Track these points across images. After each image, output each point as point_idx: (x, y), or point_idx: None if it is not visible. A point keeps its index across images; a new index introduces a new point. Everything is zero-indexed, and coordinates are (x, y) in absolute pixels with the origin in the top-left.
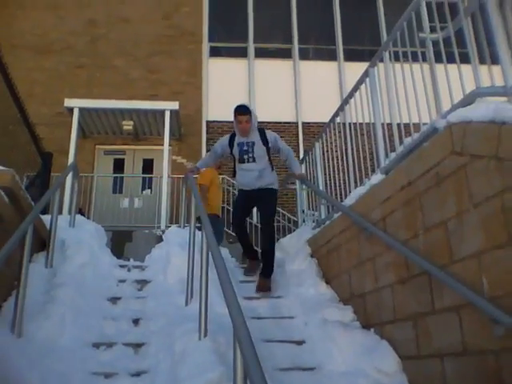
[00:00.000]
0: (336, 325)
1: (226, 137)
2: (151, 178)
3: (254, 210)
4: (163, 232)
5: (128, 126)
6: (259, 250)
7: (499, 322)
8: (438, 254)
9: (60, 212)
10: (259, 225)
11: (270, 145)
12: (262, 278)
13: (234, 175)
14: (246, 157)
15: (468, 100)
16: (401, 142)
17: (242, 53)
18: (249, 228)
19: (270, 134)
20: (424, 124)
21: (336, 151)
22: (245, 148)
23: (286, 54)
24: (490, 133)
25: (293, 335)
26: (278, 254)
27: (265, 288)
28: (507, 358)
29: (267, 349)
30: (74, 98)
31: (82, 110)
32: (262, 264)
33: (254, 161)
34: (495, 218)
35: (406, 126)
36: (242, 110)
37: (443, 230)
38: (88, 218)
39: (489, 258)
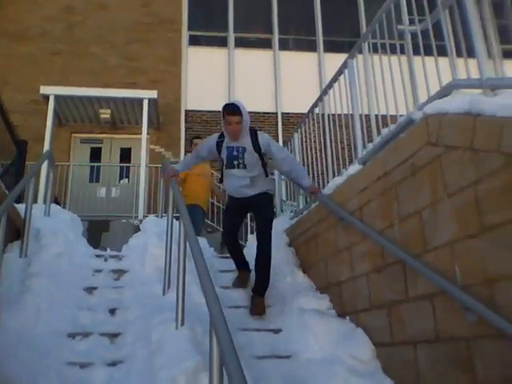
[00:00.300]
0: (312, 313)
1: (213, 138)
2: (129, 167)
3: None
4: (141, 222)
5: (105, 114)
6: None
7: (471, 309)
8: (412, 243)
9: (35, 201)
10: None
11: (262, 151)
12: (257, 298)
13: (220, 181)
14: (235, 162)
15: (444, 92)
16: (378, 133)
17: (221, 42)
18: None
19: (263, 138)
20: (401, 115)
21: (315, 142)
22: (234, 153)
23: (266, 44)
24: (465, 124)
25: (270, 324)
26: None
27: (260, 310)
28: (478, 345)
29: (244, 337)
30: (50, 85)
31: (57, 97)
32: (255, 280)
33: (244, 167)
34: (468, 207)
35: (384, 117)
36: (232, 110)
37: (418, 220)
38: (64, 207)
39: (461, 247)
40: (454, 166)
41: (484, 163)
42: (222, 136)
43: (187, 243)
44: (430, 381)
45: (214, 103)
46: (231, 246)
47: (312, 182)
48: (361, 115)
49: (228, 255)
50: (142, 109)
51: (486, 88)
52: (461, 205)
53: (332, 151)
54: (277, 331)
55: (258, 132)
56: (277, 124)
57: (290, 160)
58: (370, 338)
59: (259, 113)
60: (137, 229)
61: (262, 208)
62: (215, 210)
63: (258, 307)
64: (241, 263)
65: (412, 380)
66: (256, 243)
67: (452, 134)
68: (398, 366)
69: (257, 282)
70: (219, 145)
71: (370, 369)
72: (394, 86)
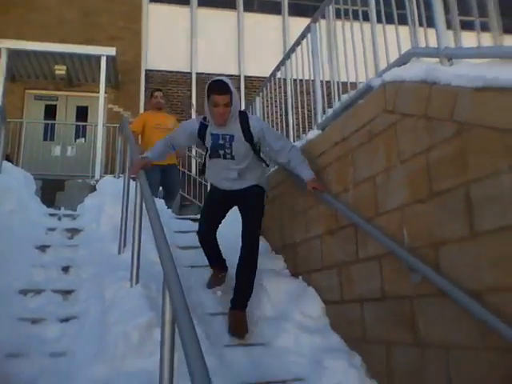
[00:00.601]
0: (267, 273)
1: (195, 122)
2: (85, 126)
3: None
4: (97, 182)
5: (60, 70)
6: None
7: (416, 270)
8: (365, 207)
9: None
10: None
11: (255, 139)
12: (237, 313)
13: (201, 172)
14: (221, 152)
15: (403, 60)
16: (338, 100)
17: (184, 0)
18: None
19: (255, 124)
20: (361, 83)
21: (276, 106)
22: (220, 142)
23: (230, 5)
24: (421, 92)
25: (226, 283)
26: None
27: (242, 328)
28: (420, 303)
29: (198, 295)
30: (3, 38)
31: (10, 51)
32: (234, 289)
33: (232, 158)
34: (419, 174)
35: (345, 84)
36: (221, 88)
37: (371, 185)
38: (16, 165)
39: (411, 212)
40: (408, 134)
41: (437, 131)
42: (205, 120)
43: (144, 203)
44: (374, 337)
45: (176, 63)
46: (207, 244)
47: (314, 175)
48: (322, 81)
49: (186, 217)
50: (99, 66)
51: (442, 57)
52: (412, 171)
53: (293, 116)
54: (232, 288)
55: (250, 116)
56: (240, 87)
57: (287, 149)
58: (321, 297)
59: (222, 75)
60: (93, 189)
61: (249, 206)
62: None
63: (238, 323)
64: (216, 261)
65: (358, 336)
66: (240, 245)
67: (408, 102)
68: (346, 323)
69: (236, 291)
70: (202, 131)
71: (319, 325)
72: (355, 52)
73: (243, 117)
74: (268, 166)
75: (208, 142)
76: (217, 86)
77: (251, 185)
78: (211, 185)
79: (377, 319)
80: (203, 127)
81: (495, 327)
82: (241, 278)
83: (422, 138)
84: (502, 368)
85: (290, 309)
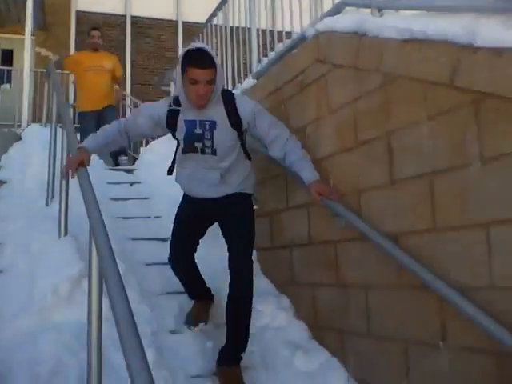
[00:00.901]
0: None
1: (161, 105)
2: (10, 71)
3: None
4: (24, 131)
5: None
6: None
7: (340, 216)
8: None
9: None
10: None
11: (243, 127)
12: (227, 370)
13: (169, 172)
14: (198, 145)
15: (336, 9)
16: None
17: None
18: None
19: (245, 105)
20: (296, 33)
21: (216, 55)
22: (197, 131)
23: None
24: (351, 43)
25: (159, 233)
26: (150, 157)
27: None
28: (343, 247)
29: (133, 246)
30: None
31: None
32: (226, 338)
33: (213, 153)
34: (347, 124)
35: (281, 33)
36: (201, 60)
37: (303, 135)
38: None
39: (338, 161)
40: (337, 84)
41: (364, 82)
42: (176, 102)
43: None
44: (301, 280)
45: (109, 5)
46: (184, 271)
47: (318, 175)
48: (258, 29)
49: (119, 168)
50: (25, 5)
51: (373, 7)
52: (340, 121)
53: (230, 65)
54: (165, 240)
55: (237, 95)
56: (177, 33)
57: (283, 140)
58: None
59: (157, 19)
60: (19, 138)
61: (236, 220)
62: None
63: None
64: (198, 291)
65: (286, 279)
66: (229, 270)
67: (339, 53)
68: (275, 268)
69: (228, 341)
70: (172, 117)
71: None
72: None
73: (228, 96)
74: (249, 159)
75: (180, 131)
76: (197, 57)
77: (235, 192)
78: (183, 194)
79: (304, 263)
80: (173, 112)
81: (410, 268)
82: (234, 323)
83: (350, 89)
84: (414, 303)
85: (222, 255)
